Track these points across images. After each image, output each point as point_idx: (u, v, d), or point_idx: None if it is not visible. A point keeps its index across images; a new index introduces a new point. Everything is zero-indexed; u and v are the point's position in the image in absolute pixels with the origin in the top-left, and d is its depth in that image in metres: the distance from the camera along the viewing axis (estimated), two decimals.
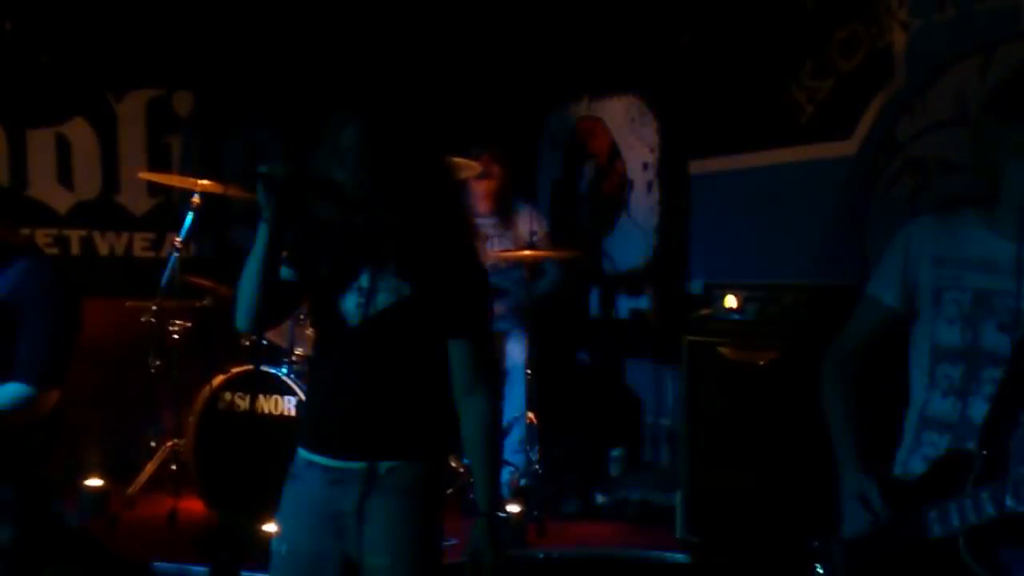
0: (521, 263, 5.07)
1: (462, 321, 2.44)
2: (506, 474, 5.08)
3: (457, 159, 2.58)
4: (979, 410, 2.24)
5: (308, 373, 2.70)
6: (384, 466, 2.38)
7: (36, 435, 3.04)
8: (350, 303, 2.40)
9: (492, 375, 2.59)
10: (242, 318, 2.38)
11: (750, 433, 4.22)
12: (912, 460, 2.38)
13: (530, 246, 5.12)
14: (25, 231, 5.59)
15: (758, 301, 4.39)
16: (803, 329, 4.16)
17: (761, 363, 4.23)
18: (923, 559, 2.23)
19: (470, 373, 2.45)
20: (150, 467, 4.77)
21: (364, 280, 2.39)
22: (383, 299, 2.38)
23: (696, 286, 5.47)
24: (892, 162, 4.53)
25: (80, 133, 5.98)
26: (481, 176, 5.19)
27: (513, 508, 4.47)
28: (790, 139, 5.01)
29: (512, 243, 5.30)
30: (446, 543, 2.52)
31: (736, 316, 4.43)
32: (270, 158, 2.34)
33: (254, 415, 4.59)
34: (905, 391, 2.45)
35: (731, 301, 4.44)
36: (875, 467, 2.42)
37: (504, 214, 5.38)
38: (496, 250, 5.19)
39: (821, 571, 2.48)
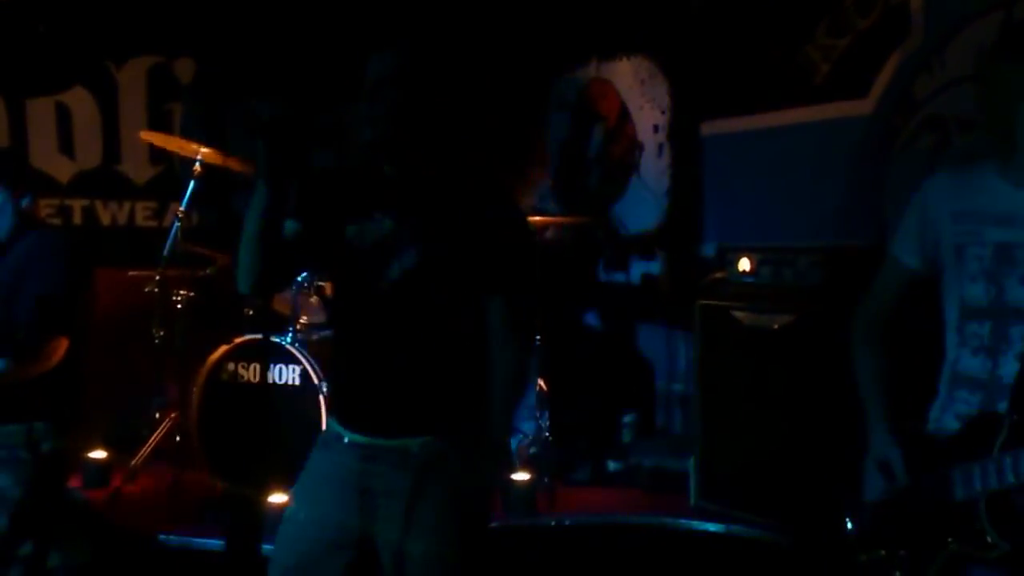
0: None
1: (495, 279, 2.29)
2: (516, 441, 5.02)
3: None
4: (1010, 369, 2.18)
5: (332, 342, 2.55)
6: (420, 443, 2.24)
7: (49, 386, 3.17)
8: (374, 262, 2.24)
9: (526, 335, 2.41)
10: (244, 281, 2.25)
11: (764, 398, 4.16)
12: (945, 417, 2.33)
13: (538, 211, 5.04)
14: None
15: (773, 264, 4.32)
16: (819, 292, 4.10)
17: (776, 327, 4.17)
18: (946, 520, 2.18)
19: (503, 332, 2.30)
20: (153, 439, 4.71)
21: (389, 235, 2.25)
22: (409, 256, 2.23)
23: (709, 249, 5.40)
24: (910, 120, 4.45)
25: (80, 101, 5.92)
26: None
27: (523, 476, 4.42)
28: (805, 99, 4.92)
29: None
30: None
31: (750, 279, 4.36)
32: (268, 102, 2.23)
33: (259, 385, 4.53)
34: (941, 345, 2.38)
35: (745, 264, 4.38)
36: (906, 426, 2.36)
37: None
38: None
39: (850, 526, 2.43)
